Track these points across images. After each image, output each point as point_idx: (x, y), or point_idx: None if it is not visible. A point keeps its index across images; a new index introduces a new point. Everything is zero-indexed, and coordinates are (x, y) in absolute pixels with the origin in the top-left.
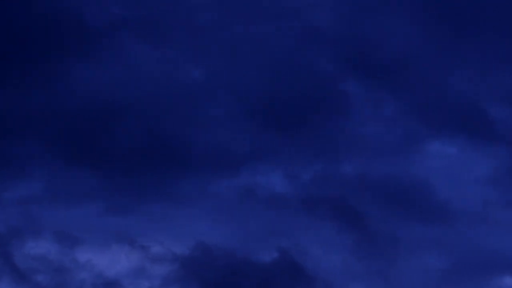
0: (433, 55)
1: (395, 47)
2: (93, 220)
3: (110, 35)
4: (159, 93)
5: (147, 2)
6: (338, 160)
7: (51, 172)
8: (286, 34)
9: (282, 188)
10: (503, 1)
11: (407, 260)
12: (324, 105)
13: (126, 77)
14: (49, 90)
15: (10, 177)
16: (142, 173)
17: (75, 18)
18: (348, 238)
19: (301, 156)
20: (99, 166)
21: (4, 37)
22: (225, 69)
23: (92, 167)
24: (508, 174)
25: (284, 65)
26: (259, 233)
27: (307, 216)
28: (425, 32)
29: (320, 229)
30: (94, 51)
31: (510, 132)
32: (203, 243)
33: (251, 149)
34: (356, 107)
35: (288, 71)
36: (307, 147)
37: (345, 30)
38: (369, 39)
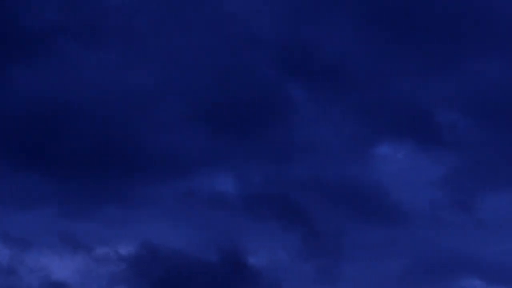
0: (375, 59)
1: (336, 52)
2: (43, 224)
3: (48, 40)
4: (104, 97)
5: (83, 7)
6: (288, 163)
7: (1, 177)
8: (226, 40)
9: (231, 190)
10: (442, 5)
11: (358, 261)
12: (270, 109)
13: (68, 82)
14: None
15: None
16: (91, 177)
17: (12, 23)
18: (298, 239)
19: (250, 159)
20: (49, 171)
21: None
22: (168, 74)
23: (42, 172)
24: (454, 177)
25: (226, 70)
26: (208, 233)
27: (256, 217)
28: (365, 36)
29: (270, 230)
30: (33, 56)
31: (455, 136)
32: (151, 243)
33: (201, 152)
34: (302, 111)
35: (231, 76)
36: (256, 150)
37: (285, 35)
38: (309, 43)
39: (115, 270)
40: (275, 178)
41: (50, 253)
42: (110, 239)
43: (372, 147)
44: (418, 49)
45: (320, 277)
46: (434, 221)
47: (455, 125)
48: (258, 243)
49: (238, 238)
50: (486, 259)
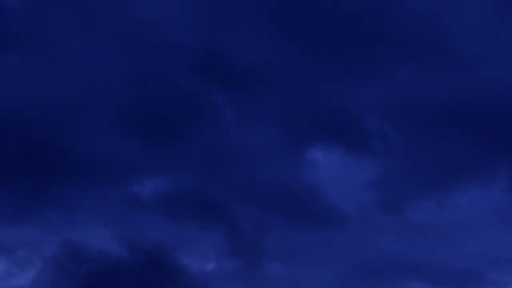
0: (293, 65)
1: (254, 57)
2: None
3: None
4: (28, 102)
5: None
6: (216, 166)
7: None
8: (143, 46)
9: (158, 193)
10: (368, 12)
11: (292, 263)
12: (193, 114)
13: None
14: None
15: None
16: (19, 183)
17: None
18: (225, 240)
19: (177, 163)
20: None
21: None
22: (83, 80)
23: None
24: (383, 181)
25: (145, 76)
26: (134, 235)
27: (183, 219)
28: (285, 41)
29: (196, 232)
30: None
31: (382, 142)
32: (75, 245)
33: (131, 157)
34: (225, 115)
35: (150, 82)
36: (183, 154)
37: (202, 41)
38: (227, 49)
39: (40, 272)
40: (203, 181)
41: None
42: (35, 242)
43: (300, 152)
44: (341, 55)
45: (246, 279)
46: (366, 224)
47: (381, 131)
48: (185, 244)
49: (164, 239)
50: (422, 261)
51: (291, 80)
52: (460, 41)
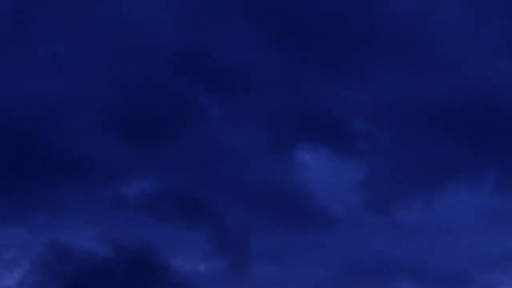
0: (284, 68)
1: (240, 58)
2: None
3: None
4: (14, 104)
5: None
6: (206, 169)
7: None
8: (128, 47)
9: (145, 193)
10: (356, 14)
11: (282, 265)
12: (180, 115)
13: None
14: None
15: None
16: (7, 183)
17: None
18: (213, 241)
19: (168, 165)
20: None
21: None
22: (73, 82)
23: None
24: (370, 182)
25: (131, 77)
26: (123, 235)
27: (171, 219)
28: (270, 43)
29: (183, 232)
30: None
31: (369, 143)
32: (67, 246)
33: (118, 158)
34: (214, 118)
35: (137, 83)
36: (173, 156)
37: (187, 42)
38: (212, 50)
39: (25, 273)
40: (191, 182)
41: None
42: (21, 242)
43: (287, 153)
44: (328, 56)
45: (234, 279)
46: (354, 225)
47: (369, 132)
48: (172, 244)
49: (151, 240)
50: (410, 261)
51: (278, 81)
52: (446, 42)
